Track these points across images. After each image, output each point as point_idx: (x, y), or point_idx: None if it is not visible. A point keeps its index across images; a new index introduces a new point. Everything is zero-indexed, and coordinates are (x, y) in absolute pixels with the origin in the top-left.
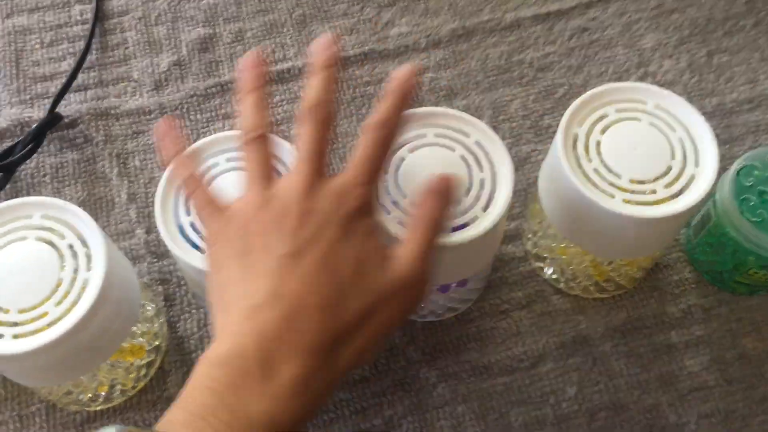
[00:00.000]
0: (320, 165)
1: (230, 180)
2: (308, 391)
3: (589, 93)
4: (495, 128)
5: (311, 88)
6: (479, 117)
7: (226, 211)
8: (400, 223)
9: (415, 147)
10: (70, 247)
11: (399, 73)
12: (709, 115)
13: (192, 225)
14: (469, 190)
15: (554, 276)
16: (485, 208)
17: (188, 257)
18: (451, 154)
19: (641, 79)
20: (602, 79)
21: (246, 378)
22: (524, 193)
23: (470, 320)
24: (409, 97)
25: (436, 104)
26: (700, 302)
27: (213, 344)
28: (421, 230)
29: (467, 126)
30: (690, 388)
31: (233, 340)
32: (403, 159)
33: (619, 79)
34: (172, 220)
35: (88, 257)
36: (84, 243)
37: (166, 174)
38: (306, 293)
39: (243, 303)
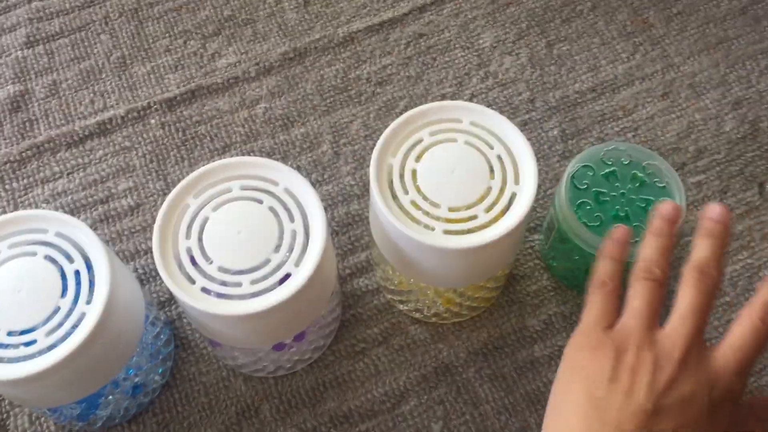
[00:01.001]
0: (702, 326)
1: (12, 267)
2: None
3: (400, 119)
4: (336, 154)
5: (701, 248)
6: (319, 143)
7: (608, 326)
8: (205, 291)
9: (218, 204)
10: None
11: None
12: (553, 110)
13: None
14: (280, 245)
15: (407, 308)
16: (297, 263)
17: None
18: (258, 207)
19: (483, 80)
20: (443, 86)
21: None
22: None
23: (326, 366)
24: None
25: (273, 136)
26: (560, 310)
27: None
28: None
29: (274, 172)
30: None
31: None
32: (207, 219)
33: (460, 83)
34: None
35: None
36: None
37: None
38: None
39: None
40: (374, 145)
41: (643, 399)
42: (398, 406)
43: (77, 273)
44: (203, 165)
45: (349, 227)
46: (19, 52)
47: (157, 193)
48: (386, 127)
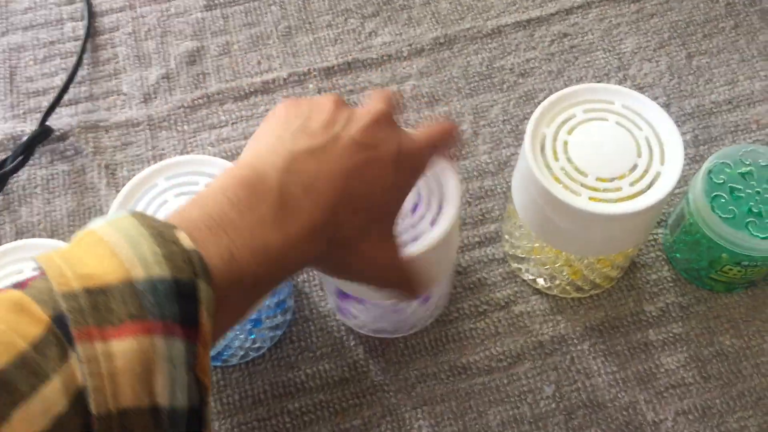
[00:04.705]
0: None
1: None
2: (316, 241)
3: (557, 94)
4: (475, 133)
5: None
6: (460, 122)
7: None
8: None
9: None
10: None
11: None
12: (688, 116)
13: None
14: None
15: (532, 277)
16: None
17: None
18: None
19: (621, 82)
20: (582, 83)
21: (263, 205)
22: (503, 196)
23: (449, 322)
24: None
25: (418, 110)
26: (678, 300)
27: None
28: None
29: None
30: (667, 386)
31: (260, 165)
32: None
33: (599, 82)
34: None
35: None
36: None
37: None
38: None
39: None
40: (512, 129)
41: (340, 132)
42: (514, 366)
43: None
44: None
45: (481, 200)
46: (198, 14)
47: None
48: (525, 114)
